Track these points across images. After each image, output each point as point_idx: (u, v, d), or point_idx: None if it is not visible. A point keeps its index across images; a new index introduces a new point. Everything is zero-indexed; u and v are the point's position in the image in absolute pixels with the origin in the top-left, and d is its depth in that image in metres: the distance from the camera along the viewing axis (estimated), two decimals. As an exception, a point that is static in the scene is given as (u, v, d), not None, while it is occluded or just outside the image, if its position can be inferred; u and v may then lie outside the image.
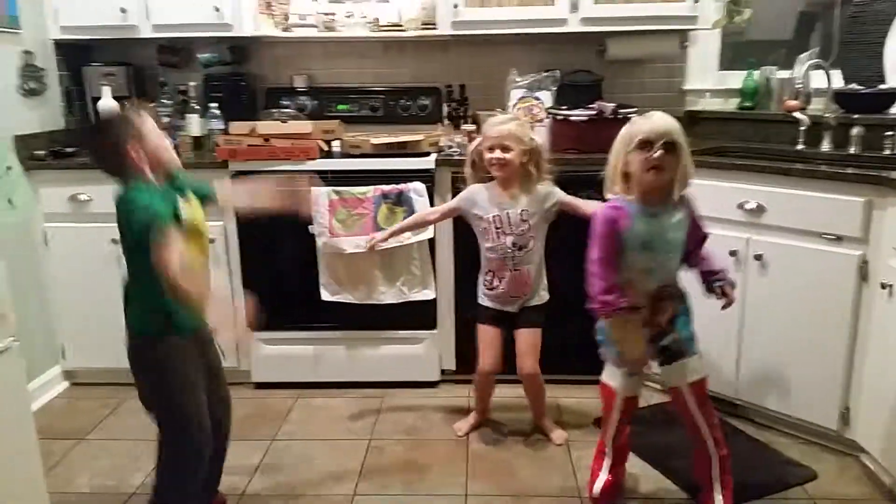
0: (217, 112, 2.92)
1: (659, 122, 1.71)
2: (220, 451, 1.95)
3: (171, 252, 1.57)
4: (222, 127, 2.86)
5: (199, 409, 1.79)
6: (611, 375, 1.88)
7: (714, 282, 1.86)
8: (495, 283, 2.32)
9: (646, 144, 1.69)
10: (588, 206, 2.29)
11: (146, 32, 2.87)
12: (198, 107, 2.96)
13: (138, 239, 1.60)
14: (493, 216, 2.28)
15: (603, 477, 1.97)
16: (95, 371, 2.83)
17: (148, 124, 1.72)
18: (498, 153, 2.22)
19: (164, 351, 1.74)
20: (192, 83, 3.02)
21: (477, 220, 2.32)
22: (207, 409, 1.83)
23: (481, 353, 2.37)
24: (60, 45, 2.95)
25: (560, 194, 2.30)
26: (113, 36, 2.90)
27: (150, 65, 3.17)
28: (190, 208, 1.76)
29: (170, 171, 1.77)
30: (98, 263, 2.66)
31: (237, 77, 3.14)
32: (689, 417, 1.87)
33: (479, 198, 2.31)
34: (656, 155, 1.67)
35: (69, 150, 2.80)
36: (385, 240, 2.42)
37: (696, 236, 1.85)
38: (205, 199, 1.90)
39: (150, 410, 1.79)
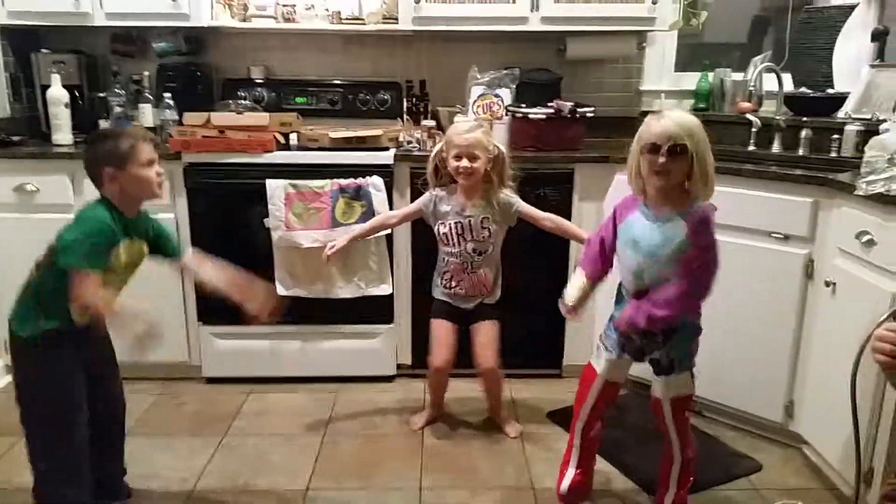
0: (171, 103, 2.85)
1: (667, 123, 1.64)
2: (117, 449, 1.95)
3: (87, 289, 1.58)
4: (176, 118, 2.80)
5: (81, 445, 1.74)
6: (596, 357, 1.89)
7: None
8: (453, 283, 2.34)
9: (654, 148, 1.64)
10: (547, 219, 2.32)
11: (99, 20, 2.79)
12: (151, 97, 2.90)
13: (63, 251, 1.61)
14: (455, 222, 2.28)
15: (570, 473, 1.95)
16: (41, 366, 2.74)
17: (140, 156, 1.66)
18: (465, 162, 2.21)
19: (44, 362, 1.71)
20: (146, 73, 2.94)
21: (438, 224, 2.32)
22: (98, 407, 1.79)
23: (434, 349, 2.37)
24: (6, 30, 2.85)
25: (520, 205, 2.31)
26: (64, 23, 2.81)
27: (102, 53, 3.08)
28: (131, 250, 1.72)
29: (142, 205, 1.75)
30: (44, 255, 2.57)
31: (193, 67, 3.08)
32: (663, 426, 1.87)
33: (440, 203, 2.32)
34: (661, 161, 1.62)
35: (15, 138, 2.71)
36: (344, 246, 2.39)
37: (692, 260, 1.66)
38: (165, 252, 1.88)
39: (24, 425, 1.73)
